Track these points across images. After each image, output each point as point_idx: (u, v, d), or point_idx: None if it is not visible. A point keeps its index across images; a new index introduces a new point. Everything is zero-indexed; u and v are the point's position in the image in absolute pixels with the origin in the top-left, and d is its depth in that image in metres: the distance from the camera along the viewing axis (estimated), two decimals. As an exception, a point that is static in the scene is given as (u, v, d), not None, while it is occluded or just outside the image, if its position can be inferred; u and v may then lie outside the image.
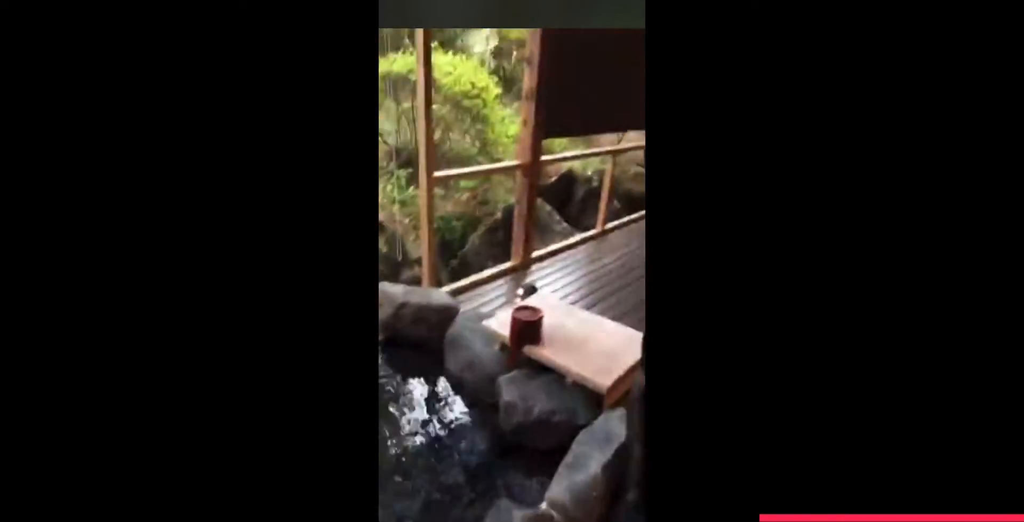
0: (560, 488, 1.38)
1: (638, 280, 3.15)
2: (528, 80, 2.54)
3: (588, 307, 2.73)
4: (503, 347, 2.07)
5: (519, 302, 2.58)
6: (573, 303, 2.77)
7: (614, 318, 2.35)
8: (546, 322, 1.96)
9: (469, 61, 4.76)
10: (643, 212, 4.38)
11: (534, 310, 1.93)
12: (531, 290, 2.66)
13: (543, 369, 1.91)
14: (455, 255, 4.21)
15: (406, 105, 4.46)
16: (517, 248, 3.20)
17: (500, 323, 2.10)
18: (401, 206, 4.04)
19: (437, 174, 2.41)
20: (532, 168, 2.84)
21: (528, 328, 1.92)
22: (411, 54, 4.19)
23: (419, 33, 1.93)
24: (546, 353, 1.87)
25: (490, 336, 2.14)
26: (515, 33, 6.05)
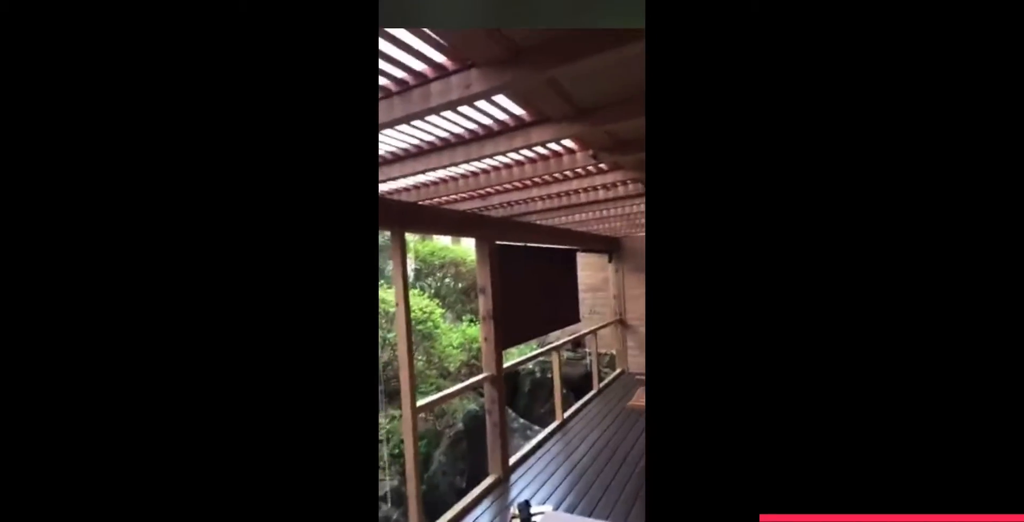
0: None
1: (619, 467, 3.16)
2: (483, 305, 2.98)
3: (589, 510, 2.63)
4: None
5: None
6: (570, 510, 2.66)
7: (616, 514, 2.29)
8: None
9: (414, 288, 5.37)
10: (588, 396, 4.62)
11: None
12: (526, 507, 2.53)
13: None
14: (422, 479, 3.87)
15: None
16: (494, 461, 3.11)
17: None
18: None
19: (420, 403, 2.49)
20: (499, 378, 3.04)
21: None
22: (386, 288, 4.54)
23: (397, 270, 2.28)
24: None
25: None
26: (430, 254, 6.96)
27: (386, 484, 3.49)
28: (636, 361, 5.45)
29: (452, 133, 1.67)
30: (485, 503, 2.84)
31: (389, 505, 3.29)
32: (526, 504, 2.54)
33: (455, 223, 2.79)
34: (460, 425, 4.18)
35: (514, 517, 2.50)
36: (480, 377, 3.04)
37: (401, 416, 2.48)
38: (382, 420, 3.79)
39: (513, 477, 3.11)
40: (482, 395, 3.56)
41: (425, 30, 1.02)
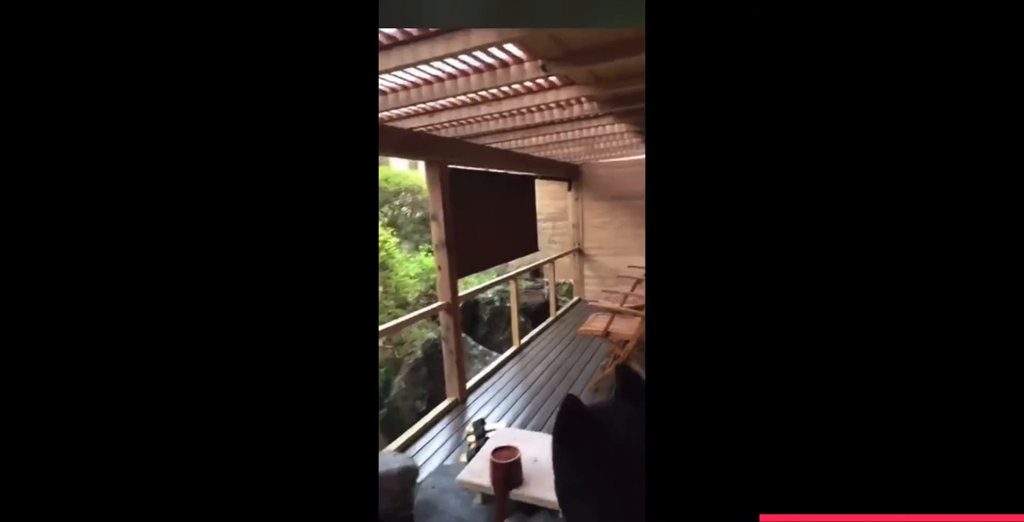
0: None
1: (571, 385, 3.33)
2: (436, 234, 2.86)
3: (541, 425, 2.78)
4: (485, 499, 2.00)
5: (473, 441, 2.53)
6: (523, 426, 2.80)
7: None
8: (532, 443, 1.97)
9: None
10: (545, 324, 4.75)
11: (510, 449, 1.94)
12: (480, 425, 2.64)
13: (533, 509, 1.88)
14: (382, 405, 3.99)
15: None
16: (452, 385, 3.19)
17: (475, 473, 2.03)
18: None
19: (381, 327, 2.45)
20: (454, 307, 3.03)
21: (510, 470, 1.90)
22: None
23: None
24: (534, 492, 1.86)
25: (466, 491, 2.05)
26: (384, 181, 6.60)
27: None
28: (593, 290, 5.59)
29: (385, 34, 1.44)
30: (443, 423, 2.95)
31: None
32: (481, 422, 2.64)
33: (401, 143, 2.58)
34: (419, 353, 4.25)
35: (469, 434, 2.61)
36: (436, 305, 3.01)
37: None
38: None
39: (470, 399, 3.22)
40: (440, 324, 3.58)
41: None
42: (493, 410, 3.08)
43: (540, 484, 1.83)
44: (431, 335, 4.41)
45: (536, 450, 1.97)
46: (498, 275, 5.11)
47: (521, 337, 4.18)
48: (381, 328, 2.59)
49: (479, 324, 5.50)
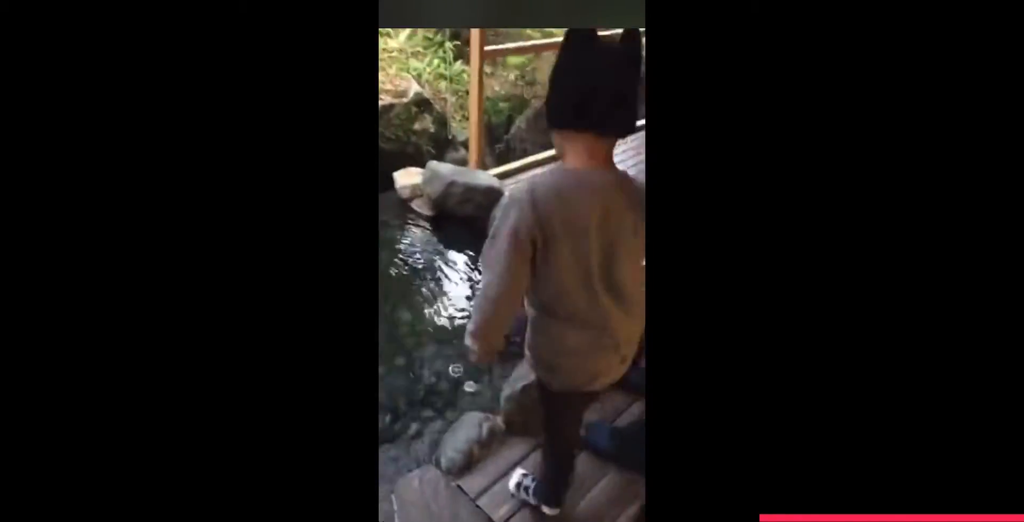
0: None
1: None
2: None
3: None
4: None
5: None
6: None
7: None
8: None
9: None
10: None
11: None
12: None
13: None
14: (500, 139, 4.16)
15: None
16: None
17: (544, 205, 2.18)
18: (448, 83, 3.91)
19: (488, 48, 2.31)
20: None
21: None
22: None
23: None
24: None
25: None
26: None
27: (457, 130, 3.78)
28: None
29: None
30: (545, 167, 3.05)
31: (462, 151, 3.67)
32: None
33: None
34: (547, 98, 4.09)
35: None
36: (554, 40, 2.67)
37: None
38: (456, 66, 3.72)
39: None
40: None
41: None
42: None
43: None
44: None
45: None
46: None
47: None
48: (517, 44, 2.41)
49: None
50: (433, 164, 2.62)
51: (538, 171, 3.01)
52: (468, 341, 0.88)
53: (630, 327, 0.89)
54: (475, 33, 2.19)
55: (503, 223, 0.78)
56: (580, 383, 0.92)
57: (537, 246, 0.78)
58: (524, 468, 1.31)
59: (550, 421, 1.09)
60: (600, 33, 0.74)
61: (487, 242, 0.80)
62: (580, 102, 0.73)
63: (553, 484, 1.20)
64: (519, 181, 2.84)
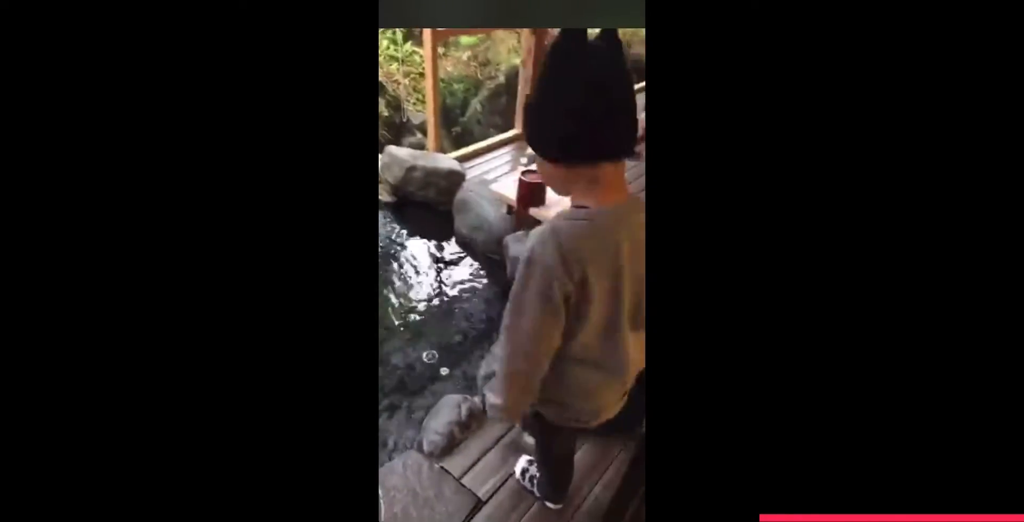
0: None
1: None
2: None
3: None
4: (510, 209, 2.20)
5: (523, 169, 2.64)
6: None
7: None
8: None
9: None
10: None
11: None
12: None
13: (547, 230, 2.06)
14: (456, 122, 4.09)
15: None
16: (520, 116, 3.12)
17: (507, 187, 2.20)
18: (399, 64, 3.78)
19: (441, 29, 2.25)
20: (542, 32, 2.62)
21: (534, 190, 2.02)
22: None
23: None
24: (550, 214, 2.00)
25: (497, 199, 2.25)
26: None
27: (410, 113, 3.69)
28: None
29: None
30: (503, 150, 3.04)
31: (418, 135, 3.59)
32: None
33: None
34: (502, 79, 4.03)
35: (521, 164, 2.70)
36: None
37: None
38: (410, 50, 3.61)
39: (536, 135, 3.19)
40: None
41: None
42: (553, 149, 3.07)
43: (558, 208, 1.94)
44: (518, 63, 4.08)
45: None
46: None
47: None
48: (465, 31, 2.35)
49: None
50: (392, 149, 2.56)
51: (493, 154, 2.99)
52: (492, 398, 0.81)
53: (639, 363, 0.84)
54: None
55: (530, 282, 0.68)
56: (585, 420, 0.88)
57: (571, 301, 0.70)
58: (529, 455, 1.33)
59: (544, 447, 1.09)
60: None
61: (514, 289, 0.71)
62: (583, 128, 0.62)
63: (553, 485, 1.22)
64: (477, 163, 2.82)
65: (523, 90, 2.96)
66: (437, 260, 2.32)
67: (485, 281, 2.20)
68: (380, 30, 3.80)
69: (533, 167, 2.13)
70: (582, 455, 1.37)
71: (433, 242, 2.39)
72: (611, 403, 0.88)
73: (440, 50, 4.21)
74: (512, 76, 4.14)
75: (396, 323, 1.96)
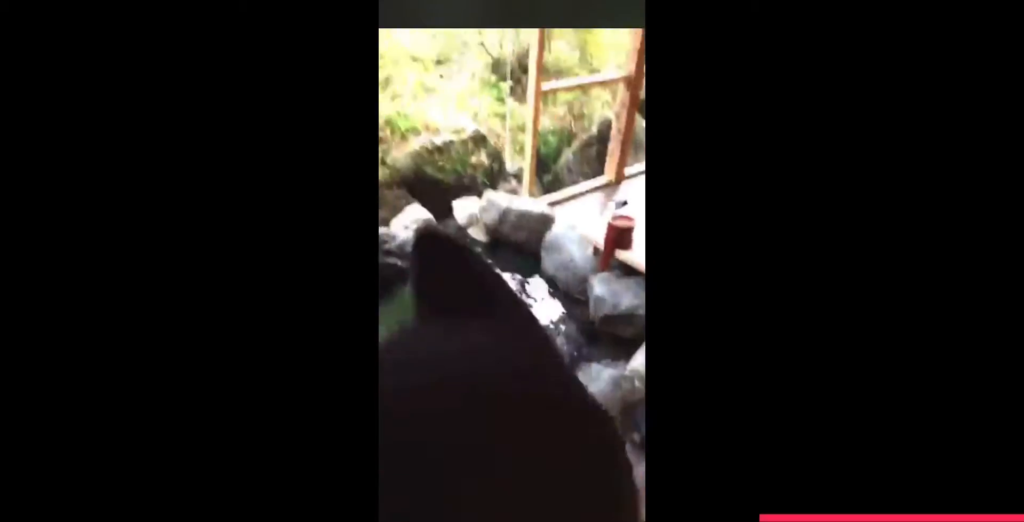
0: (641, 361, 1.68)
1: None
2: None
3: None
4: (596, 251, 2.31)
5: (614, 213, 2.77)
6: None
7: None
8: (638, 231, 2.15)
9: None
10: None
11: (628, 218, 2.12)
12: (623, 205, 2.81)
13: (631, 271, 2.14)
14: (548, 170, 4.37)
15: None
16: (611, 165, 3.28)
17: (595, 230, 2.33)
18: (501, 119, 4.20)
19: (545, 88, 2.53)
20: (636, 81, 2.82)
21: (621, 234, 2.12)
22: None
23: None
24: (635, 257, 2.08)
25: (585, 241, 2.38)
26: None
27: (511, 161, 4.02)
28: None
29: None
30: (592, 196, 3.20)
31: (513, 182, 3.89)
32: (623, 203, 2.81)
33: None
34: (595, 130, 4.26)
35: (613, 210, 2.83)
36: (616, 76, 2.86)
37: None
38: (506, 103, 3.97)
39: (624, 184, 3.33)
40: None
41: None
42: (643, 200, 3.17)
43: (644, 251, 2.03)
44: (610, 115, 4.31)
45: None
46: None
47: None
48: (554, 85, 2.61)
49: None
50: (490, 194, 2.83)
51: (583, 200, 3.15)
52: None
53: None
54: (533, 74, 2.41)
55: None
56: None
57: None
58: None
59: None
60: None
61: None
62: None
63: None
64: (567, 208, 2.99)
65: (615, 139, 3.14)
66: (520, 297, 2.47)
67: (567, 318, 2.30)
68: (486, 90, 4.27)
69: (622, 212, 2.25)
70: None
71: (519, 277, 2.56)
72: None
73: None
74: (604, 127, 4.37)
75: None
